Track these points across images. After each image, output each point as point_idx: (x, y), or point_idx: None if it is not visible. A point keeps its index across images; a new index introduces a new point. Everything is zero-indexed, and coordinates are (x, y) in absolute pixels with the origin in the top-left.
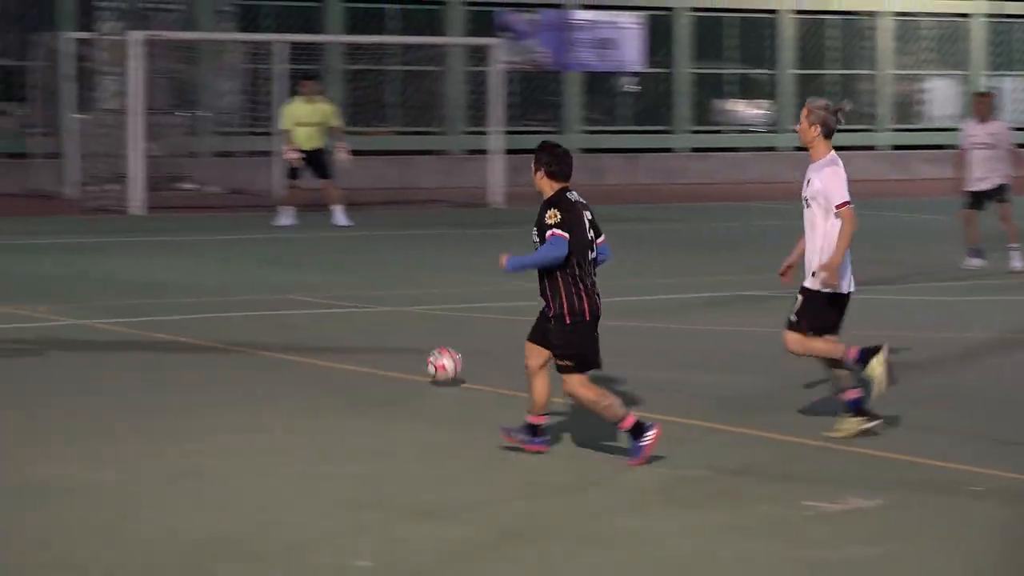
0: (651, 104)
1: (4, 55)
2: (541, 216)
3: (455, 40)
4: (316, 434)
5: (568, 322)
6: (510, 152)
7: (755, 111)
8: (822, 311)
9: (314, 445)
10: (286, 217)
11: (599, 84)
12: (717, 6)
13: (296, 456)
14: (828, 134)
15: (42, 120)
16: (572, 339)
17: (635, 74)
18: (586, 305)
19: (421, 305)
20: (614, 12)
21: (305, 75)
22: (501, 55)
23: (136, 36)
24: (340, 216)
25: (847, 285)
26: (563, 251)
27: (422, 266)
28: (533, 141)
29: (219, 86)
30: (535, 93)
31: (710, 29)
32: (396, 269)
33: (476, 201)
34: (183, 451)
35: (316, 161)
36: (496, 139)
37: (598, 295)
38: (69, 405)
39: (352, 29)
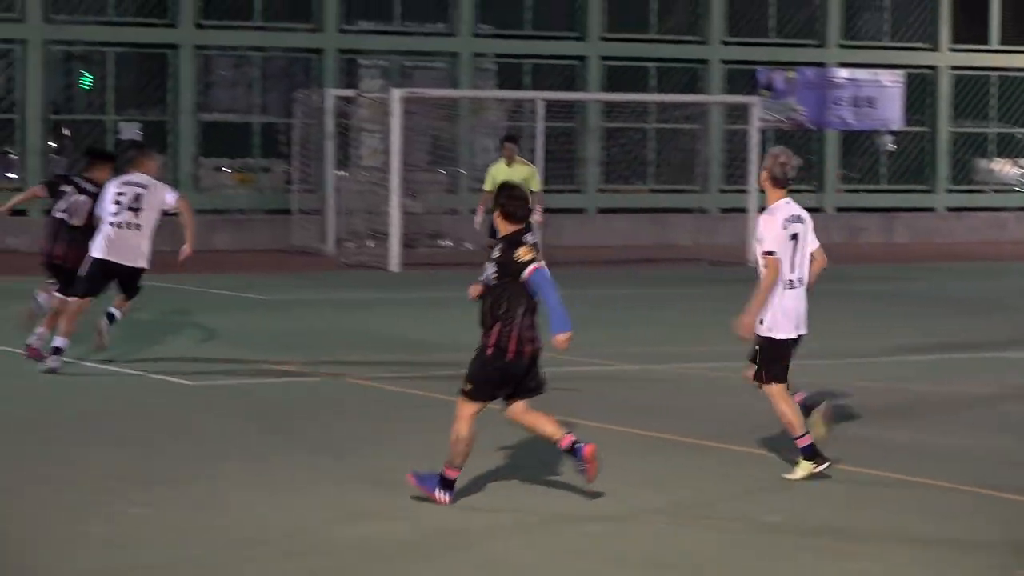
0: (910, 163)
1: (268, 112)
2: (507, 254)
3: (714, 98)
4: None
5: (488, 353)
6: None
7: (1016, 170)
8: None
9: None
10: None
11: (857, 142)
12: (977, 64)
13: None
14: (775, 183)
15: (304, 177)
16: (483, 369)
17: (894, 133)
18: (513, 344)
19: (687, 363)
20: (874, 70)
21: (507, 137)
22: (759, 113)
23: (397, 94)
24: None
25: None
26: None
27: (679, 323)
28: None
29: (478, 143)
30: (793, 151)
31: (971, 88)
32: (655, 327)
33: (733, 259)
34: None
35: None
36: (753, 197)
37: (531, 338)
38: (373, 459)
39: (610, 87)
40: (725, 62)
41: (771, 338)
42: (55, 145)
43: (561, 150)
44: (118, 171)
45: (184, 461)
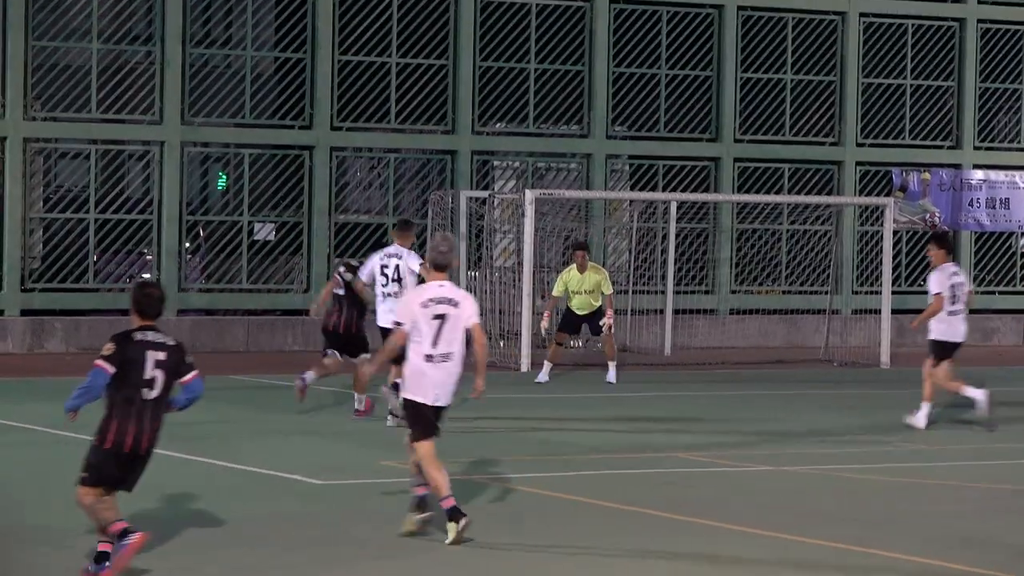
0: None
1: (402, 213)
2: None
3: (848, 200)
4: None
5: (95, 443)
6: (896, 312)
7: None
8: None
9: None
10: (544, 374)
11: (993, 244)
12: None
13: None
14: (434, 267)
15: None
16: (92, 459)
17: None
18: (112, 436)
19: (825, 464)
20: (1010, 172)
21: (577, 245)
22: (893, 214)
23: (530, 195)
24: (612, 374)
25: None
26: (100, 381)
27: (809, 424)
28: (920, 301)
29: (611, 243)
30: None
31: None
32: (778, 426)
33: (865, 361)
34: None
35: (591, 323)
36: (887, 299)
37: (144, 432)
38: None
39: (743, 188)
40: (860, 163)
41: (410, 400)
42: (189, 245)
43: (693, 251)
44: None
45: None
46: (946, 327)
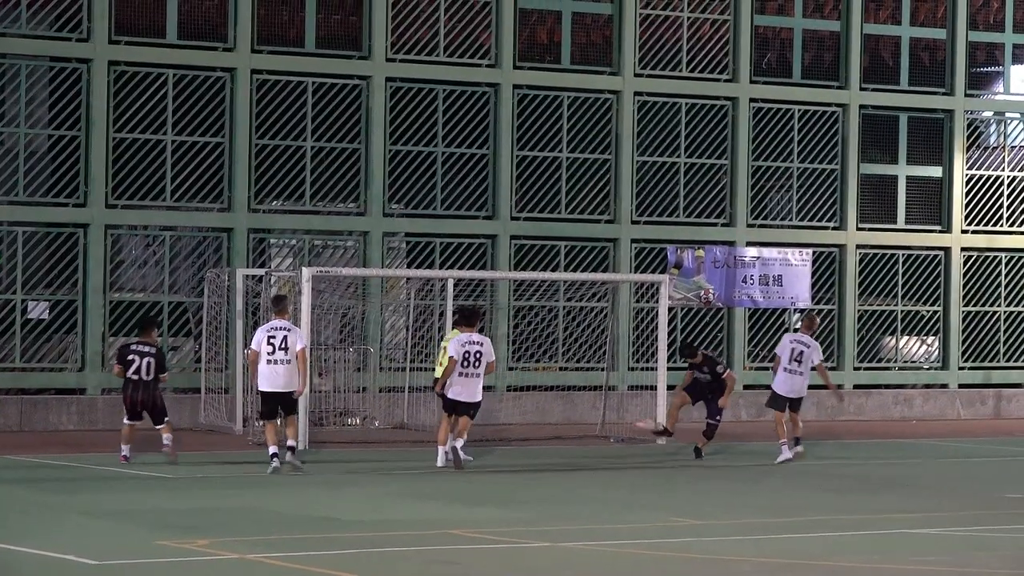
0: (818, 341)
1: (178, 291)
2: None
3: (623, 277)
4: None
5: None
6: (673, 387)
7: (923, 348)
8: None
9: None
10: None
11: (765, 321)
12: (885, 243)
13: None
14: None
15: (212, 356)
16: None
17: (802, 311)
18: None
19: (603, 540)
20: (783, 248)
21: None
22: (668, 291)
23: (307, 272)
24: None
25: None
26: None
27: (584, 500)
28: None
29: (388, 321)
30: (701, 330)
31: (878, 265)
32: (555, 504)
33: (641, 438)
34: None
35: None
36: (662, 375)
37: None
38: None
39: (520, 265)
40: (635, 240)
41: None
42: None
43: None
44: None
45: None
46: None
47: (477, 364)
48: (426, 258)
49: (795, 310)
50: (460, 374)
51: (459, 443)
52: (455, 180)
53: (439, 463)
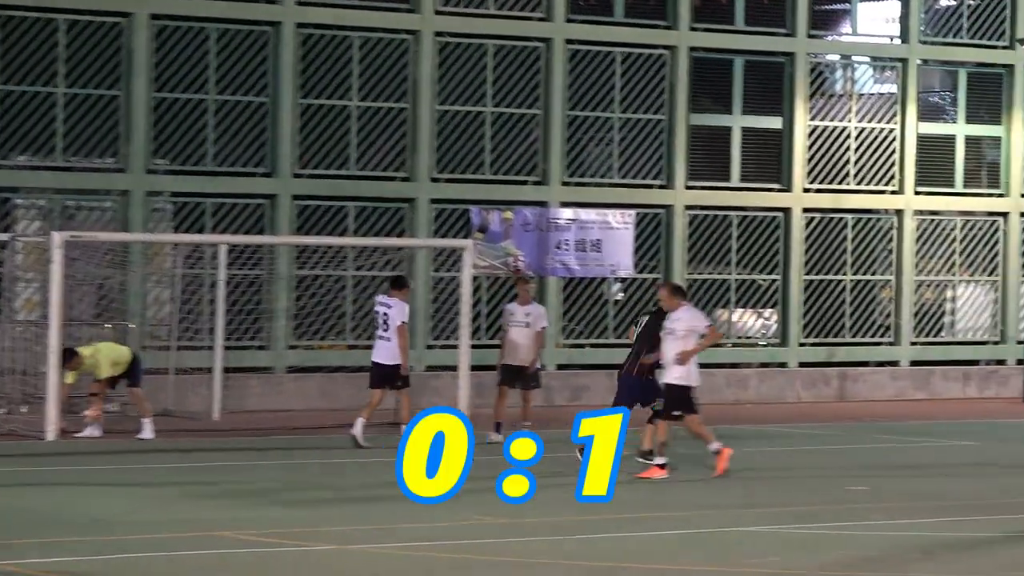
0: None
1: None
2: None
3: (421, 242)
4: None
5: None
6: (478, 368)
7: (760, 322)
8: None
9: None
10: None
11: (582, 292)
12: (718, 203)
13: None
14: None
15: None
16: None
17: (623, 280)
18: None
19: (377, 543)
20: (602, 210)
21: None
22: (472, 258)
23: (58, 237)
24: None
25: None
26: None
27: (378, 497)
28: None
29: (151, 294)
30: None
31: (710, 228)
32: (344, 503)
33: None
34: None
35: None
36: (464, 354)
37: None
38: None
39: (304, 229)
40: (435, 201)
41: None
42: None
43: (246, 301)
44: None
45: None
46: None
47: (386, 327)
48: (196, 221)
49: (616, 279)
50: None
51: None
52: (229, 132)
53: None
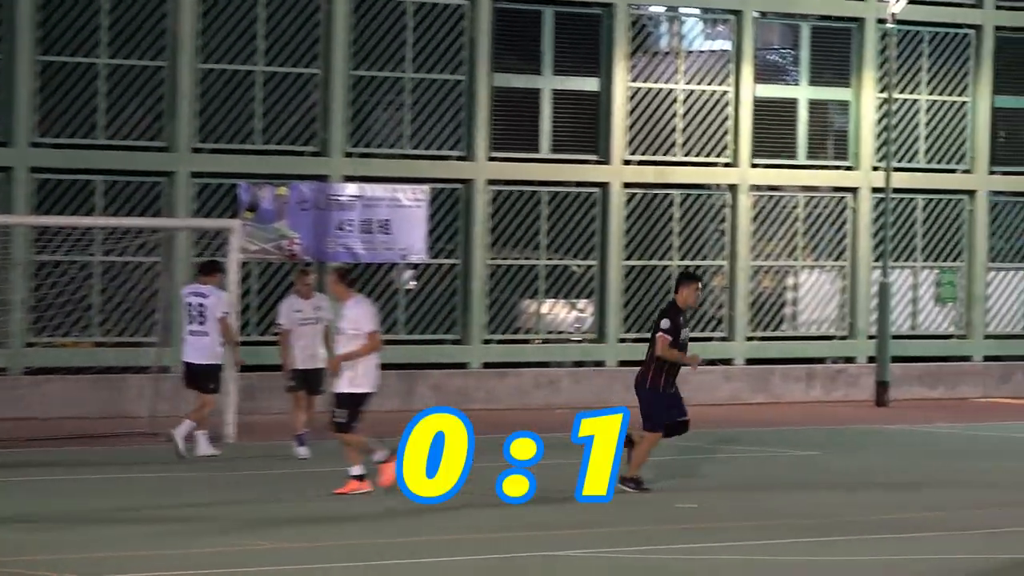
0: (437, 306)
1: None
2: None
3: (181, 222)
4: None
5: None
6: (248, 370)
7: (573, 314)
8: None
9: None
10: None
11: (368, 280)
12: (525, 176)
13: None
14: None
15: None
16: None
17: (416, 266)
18: None
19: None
20: (391, 185)
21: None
22: (241, 241)
23: None
24: None
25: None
26: None
27: (132, 520)
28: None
29: None
30: (283, 291)
31: (516, 206)
32: (92, 527)
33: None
34: None
35: None
36: (229, 351)
37: None
38: None
39: (40, 206)
40: (196, 175)
41: None
42: None
43: None
44: None
45: None
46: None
47: (202, 320)
48: None
49: (407, 265)
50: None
51: (182, 429)
52: None
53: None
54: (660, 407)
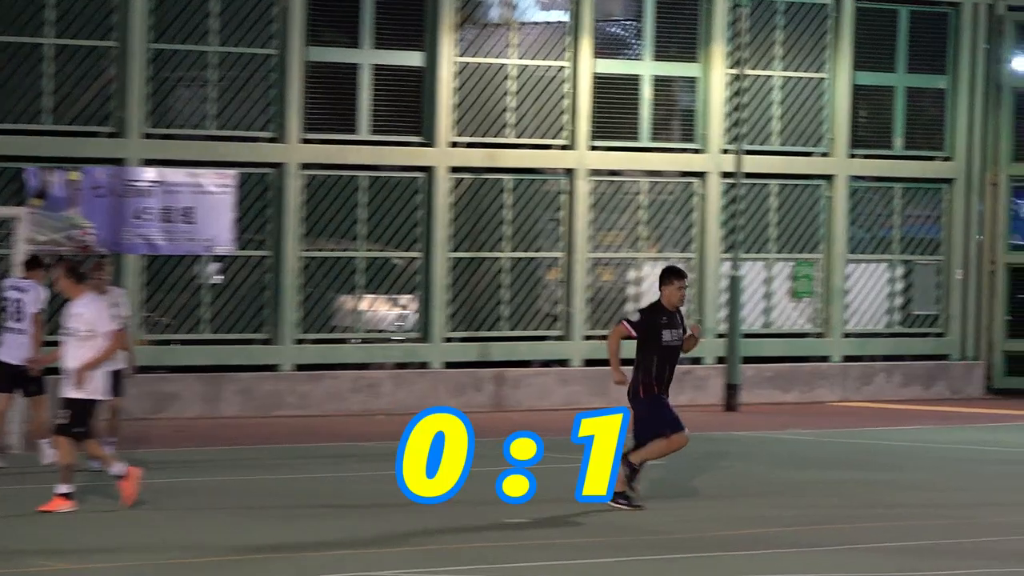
0: (245, 303)
1: None
2: None
3: None
4: None
5: None
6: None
7: (395, 311)
8: None
9: None
10: None
11: (169, 273)
12: (340, 160)
13: None
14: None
15: None
16: None
17: (222, 258)
18: None
19: None
20: (194, 170)
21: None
22: (29, 231)
23: None
24: None
25: None
26: None
27: None
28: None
29: None
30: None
31: (332, 192)
32: None
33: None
34: None
35: None
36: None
37: None
38: None
39: None
40: None
41: None
42: None
43: None
44: None
45: None
46: None
47: (19, 317)
48: None
49: (213, 258)
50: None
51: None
52: None
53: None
54: (663, 409)
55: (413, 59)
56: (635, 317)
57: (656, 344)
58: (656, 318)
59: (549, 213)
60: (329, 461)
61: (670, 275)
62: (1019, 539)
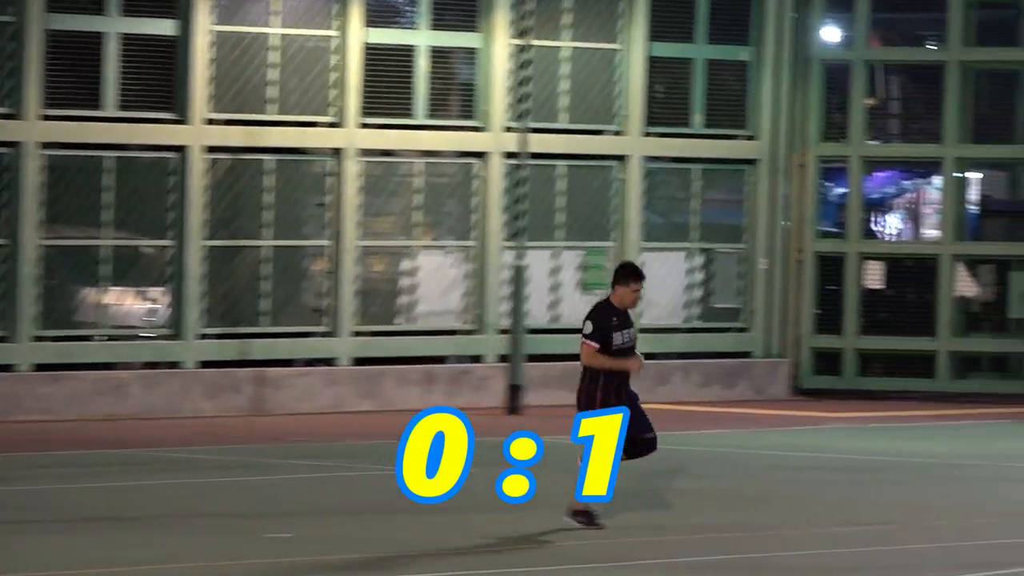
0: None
1: None
2: None
3: None
4: None
5: None
6: None
7: (144, 305)
8: None
9: None
10: None
11: None
12: (88, 139)
13: None
14: None
15: None
16: None
17: None
18: None
19: None
20: None
21: None
22: None
23: None
24: None
25: None
26: None
27: None
28: None
29: None
30: None
31: (75, 176)
32: None
33: None
34: None
35: None
36: None
37: None
38: None
39: None
40: None
41: None
42: None
43: None
44: None
45: None
46: None
47: None
48: None
49: None
50: None
51: None
52: None
53: None
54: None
55: (165, 27)
56: (588, 329)
57: (607, 349)
58: (607, 321)
59: (315, 197)
60: (71, 471)
61: (629, 276)
62: (825, 552)
